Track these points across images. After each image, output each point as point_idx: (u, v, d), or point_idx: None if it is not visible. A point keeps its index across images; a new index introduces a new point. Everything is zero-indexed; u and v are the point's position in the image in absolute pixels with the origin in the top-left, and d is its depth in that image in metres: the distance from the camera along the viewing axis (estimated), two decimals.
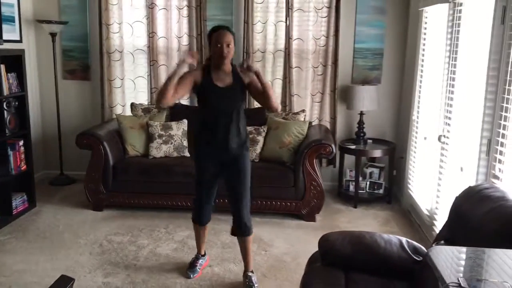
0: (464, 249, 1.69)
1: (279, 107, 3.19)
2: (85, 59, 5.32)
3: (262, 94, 3.00)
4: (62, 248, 3.75)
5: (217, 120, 3.03)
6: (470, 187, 2.35)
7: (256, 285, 3.18)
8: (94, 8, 5.10)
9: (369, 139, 4.99)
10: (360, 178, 4.90)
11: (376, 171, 5.03)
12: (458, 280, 1.38)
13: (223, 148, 3.07)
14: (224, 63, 2.95)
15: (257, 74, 2.96)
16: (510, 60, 2.57)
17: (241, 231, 3.21)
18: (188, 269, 3.38)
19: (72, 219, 4.34)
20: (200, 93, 3.07)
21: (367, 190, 4.99)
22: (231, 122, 3.03)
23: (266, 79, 3.28)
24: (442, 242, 2.34)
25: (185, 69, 2.97)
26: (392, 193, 4.96)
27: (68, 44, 5.30)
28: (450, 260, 1.61)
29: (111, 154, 4.45)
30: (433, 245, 2.41)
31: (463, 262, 1.64)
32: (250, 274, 3.25)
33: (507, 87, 2.60)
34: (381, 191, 4.97)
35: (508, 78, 2.59)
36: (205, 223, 3.39)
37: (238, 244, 3.30)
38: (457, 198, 2.32)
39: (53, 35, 5.04)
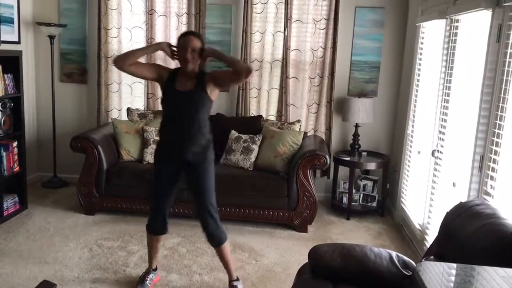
0: (453, 265, 1.69)
1: (250, 66, 3.15)
2: (82, 62, 5.32)
3: (230, 73, 2.97)
4: (51, 252, 3.73)
5: (174, 123, 3.00)
6: (461, 203, 2.35)
7: None
8: (94, 12, 5.11)
9: (364, 151, 5.00)
10: (354, 190, 4.90)
11: (369, 183, 5.03)
12: None
13: (178, 153, 3.02)
14: (188, 67, 2.93)
15: (215, 54, 3.00)
16: (504, 78, 2.59)
17: (210, 241, 3.13)
18: (138, 283, 3.22)
19: (63, 222, 4.32)
20: (162, 94, 3.08)
21: (360, 203, 4.99)
22: (188, 128, 2.96)
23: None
24: (432, 257, 2.34)
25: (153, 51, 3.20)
26: (385, 206, 4.97)
27: (67, 47, 5.30)
28: (438, 276, 1.60)
29: (105, 158, 4.44)
30: (423, 260, 2.41)
31: (452, 279, 1.64)
32: (235, 283, 3.21)
33: (500, 104, 2.61)
34: (374, 204, 4.97)
35: (502, 95, 2.61)
36: (158, 233, 3.22)
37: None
38: (447, 214, 2.32)
39: (51, 37, 5.05)
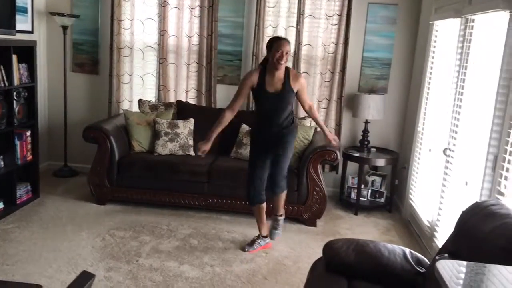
0: (471, 264, 1.73)
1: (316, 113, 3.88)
2: (94, 53, 5.35)
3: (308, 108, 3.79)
4: (64, 240, 3.78)
5: (267, 117, 3.61)
6: (477, 202, 2.38)
7: (279, 229, 3.83)
8: (107, 3, 5.13)
9: (373, 147, 5.03)
10: (362, 186, 4.93)
11: (378, 179, 5.07)
12: None
13: (273, 139, 3.63)
14: (280, 68, 3.44)
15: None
16: None
17: (277, 189, 3.74)
18: (248, 244, 3.83)
19: (75, 212, 4.37)
20: (254, 94, 3.63)
21: (368, 198, 5.03)
22: (276, 118, 3.58)
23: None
24: (446, 255, 2.37)
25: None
26: (393, 202, 5.00)
27: (79, 37, 5.33)
28: (455, 274, 1.64)
29: (117, 149, 4.48)
30: (437, 257, 2.45)
31: (471, 277, 1.67)
32: (279, 217, 3.84)
33: None
34: (382, 199, 5.00)
35: None
36: (263, 202, 3.77)
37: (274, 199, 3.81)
38: (463, 213, 2.35)
39: (64, 27, 5.07)
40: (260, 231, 3.86)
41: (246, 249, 3.78)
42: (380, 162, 4.82)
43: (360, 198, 4.87)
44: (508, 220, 2.06)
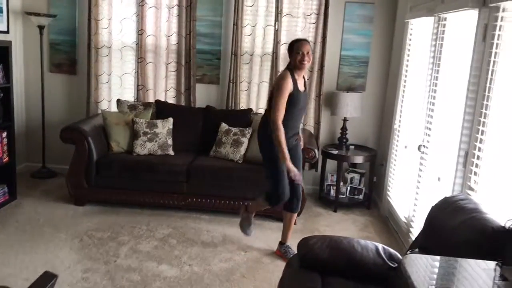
0: (437, 258, 1.77)
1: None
2: (72, 53, 5.31)
3: None
4: (41, 242, 3.75)
5: (299, 118, 3.60)
6: (445, 197, 2.43)
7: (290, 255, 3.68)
8: (84, 2, 5.09)
9: (352, 145, 5.08)
10: (341, 183, 4.98)
11: (357, 176, 5.12)
12: None
13: (294, 140, 3.64)
14: (304, 67, 3.45)
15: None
16: (489, 77, 2.66)
17: (295, 207, 3.74)
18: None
19: (53, 213, 4.34)
20: (292, 98, 3.42)
21: (348, 195, 5.08)
22: (302, 118, 3.68)
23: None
24: (417, 250, 2.42)
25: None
26: (372, 199, 5.06)
27: (56, 37, 5.28)
28: (423, 268, 1.68)
29: (95, 150, 4.46)
30: (408, 252, 2.49)
31: (436, 270, 1.71)
32: (288, 245, 3.82)
33: (485, 102, 2.69)
34: (361, 196, 5.06)
35: (486, 93, 2.69)
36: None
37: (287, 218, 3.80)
38: (432, 208, 2.40)
39: (41, 27, 5.02)
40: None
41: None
42: (359, 159, 4.87)
43: (339, 195, 4.92)
44: (475, 214, 2.11)
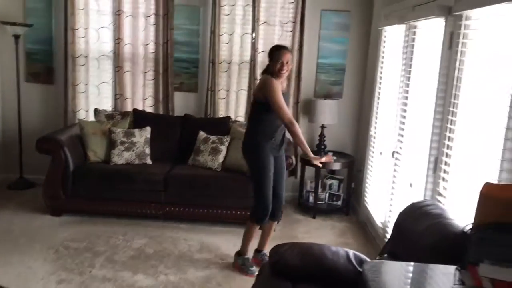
0: (397, 263, 1.79)
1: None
2: (49, 62, 5.28)
3: None
4: (16, 253, 3.70)
5: (281, 124, 3.49)
6: (413, 203, 2.46)
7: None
8: (60, 12, 5.07)
9: (330, 151, 5.12)
10: (320, 190, 5.01)
11: (335, 183, 5.15)
12: None
13: (279, 146, 3.62)
14: (282, 77, 3.44)
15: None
16: (455, 84, 2.71)
17: (277, 216, 3.74)
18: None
19: (28, 224, 4.29)
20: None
21: (326, 201, 5.11)
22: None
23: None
24: (386, 255, 2.45)
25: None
26: (350, 205, 5.10)
27: (32, 47, 5.24)
28: (382, 274, 1.70)
29: (71, 159, 4.42)
30: (377, 258, 2.52)
31: (396, 276, 1.74)
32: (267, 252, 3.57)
33: (451, 109, 2.74)
34: (339, 202, 5.09)
35: (453, 100, 2.74)
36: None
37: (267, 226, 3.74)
38: (400, 214, 2.44)
39: (16, 37, 4.99)
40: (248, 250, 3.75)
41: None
42: (336, 165, 4.90)
43: (318, 202, 4.94)
44: (440, 220, 2.14)
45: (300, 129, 3.43)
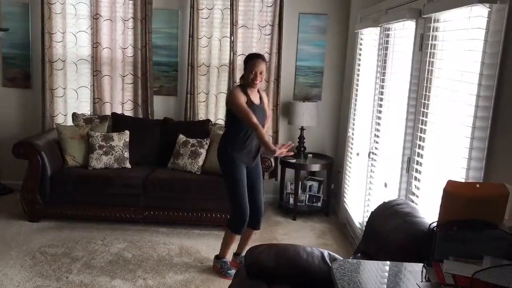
0: (364, 262, 1.82)
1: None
2: (26, 67, 5.23)
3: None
4: None
5: (252, 133, 3.43)
6: (384, 202, 2.50)
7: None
8: (37, 16, 5.04)
9: (309, 153, 5.15)
10: (300, 191, 5.04)
11: (315, 184, 5.19)
12: None
13: (254, 156, 3.58)
14: (255, 87, 3.46)
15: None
16: (425, 85, 2.76)
17: (258, 224, 3.71)
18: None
19: (5, 230, 4.24)
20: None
21: (307, 203, 5.14)
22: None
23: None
24: (359, 255, 2.47)
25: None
26: (330, 206, 5.13)
27: (9, 51, 5.19)
28: (349, 273, 1.72)
29: (49, 164, 4.39)
30: (351, 257, 2.55)
31: (363, 275, 1.76)
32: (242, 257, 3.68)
33: (423, 109, 2.78)
34: (319, 204, 5.13)
35: (424, 101, 2.78)
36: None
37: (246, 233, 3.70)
38: (372, 213, 2.47)
39: None
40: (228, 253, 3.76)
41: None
42: (316, 167, 4.94)
43: (298, 203, 4.97)
44: (408, 218, 2.18)
45: (263, 130, 3.37)
